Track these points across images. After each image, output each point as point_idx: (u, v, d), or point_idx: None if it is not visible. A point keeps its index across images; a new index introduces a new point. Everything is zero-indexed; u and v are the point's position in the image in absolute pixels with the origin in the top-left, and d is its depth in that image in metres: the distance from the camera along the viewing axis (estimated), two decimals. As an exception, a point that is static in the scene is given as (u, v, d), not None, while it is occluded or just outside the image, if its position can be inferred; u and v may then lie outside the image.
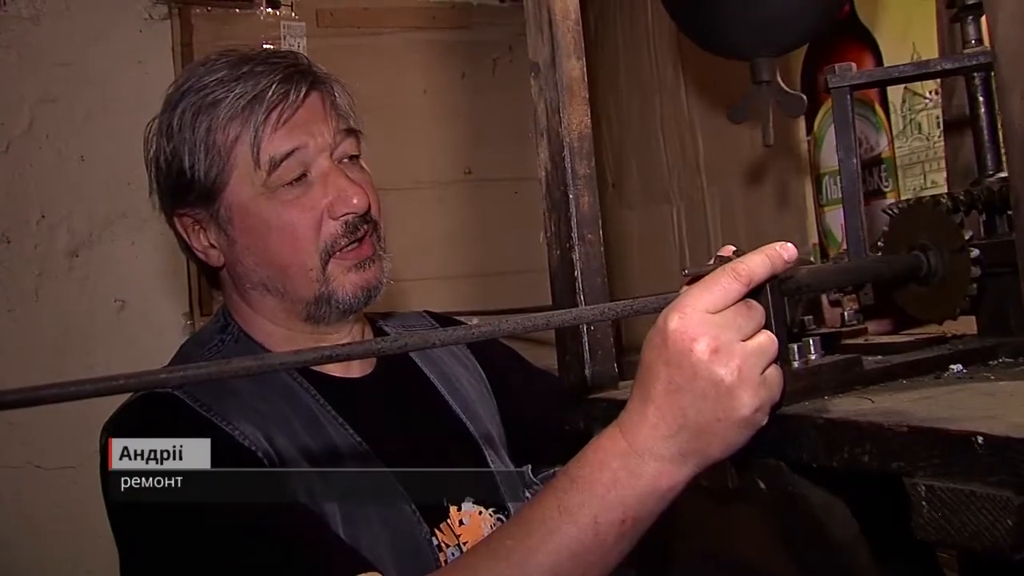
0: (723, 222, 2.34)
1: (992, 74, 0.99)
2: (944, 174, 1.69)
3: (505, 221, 2.92)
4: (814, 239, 2.02)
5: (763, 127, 1.28)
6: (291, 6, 2.60)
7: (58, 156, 2.41)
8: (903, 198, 1.79)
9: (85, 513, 2.37)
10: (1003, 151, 1.00)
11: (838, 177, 1.95)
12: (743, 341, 0.79)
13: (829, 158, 1.98)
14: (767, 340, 0.80)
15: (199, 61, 1.23)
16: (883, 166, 1.78)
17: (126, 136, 2.45)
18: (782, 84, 1.28)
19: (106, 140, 2.43)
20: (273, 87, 1.16)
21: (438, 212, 2.79)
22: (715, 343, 0.77)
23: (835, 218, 1.98)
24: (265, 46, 2.56)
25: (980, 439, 0.62)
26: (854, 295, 1.08)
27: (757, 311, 0.80)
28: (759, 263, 0.80)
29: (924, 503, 0.66)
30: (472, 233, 2.87)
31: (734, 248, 1.02)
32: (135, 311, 2.47)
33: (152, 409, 1.10)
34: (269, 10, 2.56)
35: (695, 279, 0.83)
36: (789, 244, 0.82)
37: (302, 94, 1.18)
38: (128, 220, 2.46)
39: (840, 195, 1.96)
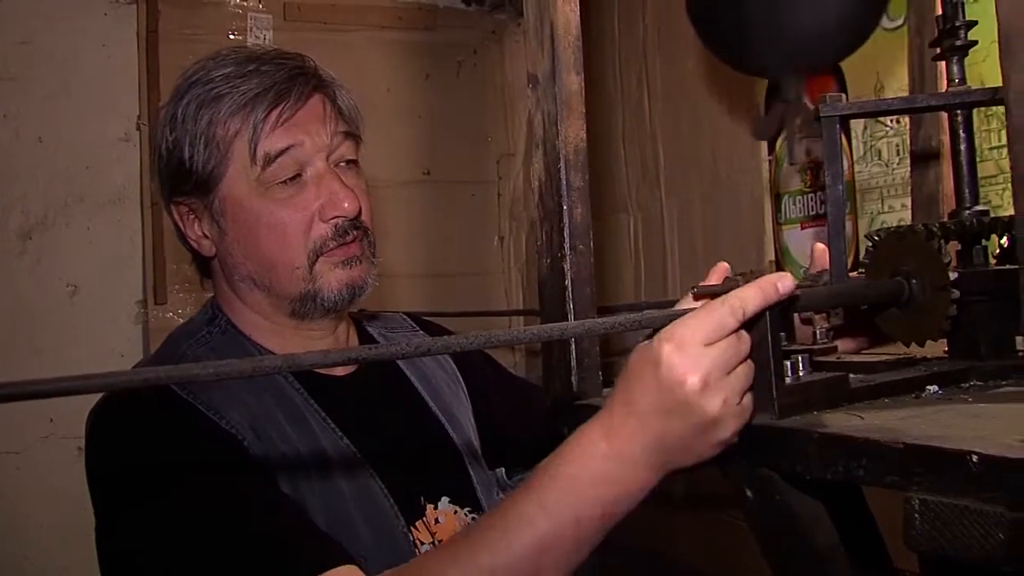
0: (680, 235, 2.39)
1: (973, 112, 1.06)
2: (900, 200, 1.77)
3: (461, 223, 2.95)
4: (771, 256, 2.08)
5: (789, 146, 1.31)
6: (259, -2, 2.60)
7: (15, 136, 2.38)
8: (860, 222, 1.86)
9: (28, 499, 2.35)
10: (980, 185, 1.06)
11: (797, 197, 2.03)
12: (728, 374, 0.84)
13: (788, 179, 2.05)
14: (747, 371, 0.86)
15: (209, 55, 1.24)
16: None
17: (87, 119, 2.45)
18: (809, 103, 1.31)
19: (66, 122, 2.41)
20: (276, 86, 1.19)
21: (395, 211, 2.81)
22: (706, 378, 0.83)
23: (792, 236, 2.05)
24: (231, 37, 2.56)
25: (975, 457, 0.66)
26: (825, 314, 1.13)
27: (745, 343, 0.86)
28: (754, 297, 0.85)
29: (917, 515, 0.70)
30: (427, 234, 2.89)
31: (728, 267, 1.06)
32: (88, 297, 2.45)
33: (140, 396, 1.11)
34: (237, 0, 2.56)
35: (701, 298, 0.87)
36: (788, 276, 0.87)
37: (304, 95, 1.21)
38: (84, 204, 2.44)
39: (798, 215, 2.04)
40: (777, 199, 2.07)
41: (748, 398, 0.86)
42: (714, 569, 2.20)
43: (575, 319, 1.02)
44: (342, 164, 1.25)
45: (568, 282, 1.05)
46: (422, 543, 1.21)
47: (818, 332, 1.10)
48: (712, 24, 1.36)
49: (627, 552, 2.03)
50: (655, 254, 2.48)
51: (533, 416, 1.31)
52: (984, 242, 1.03)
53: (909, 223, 1.29)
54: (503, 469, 1.38)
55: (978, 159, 1.08)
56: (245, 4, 2.58)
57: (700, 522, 2.19)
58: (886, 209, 1.80)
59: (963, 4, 1.03)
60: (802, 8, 1.22)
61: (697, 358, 0.83)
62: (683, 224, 2.38)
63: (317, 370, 1.25)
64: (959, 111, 1.03)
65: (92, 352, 2.38)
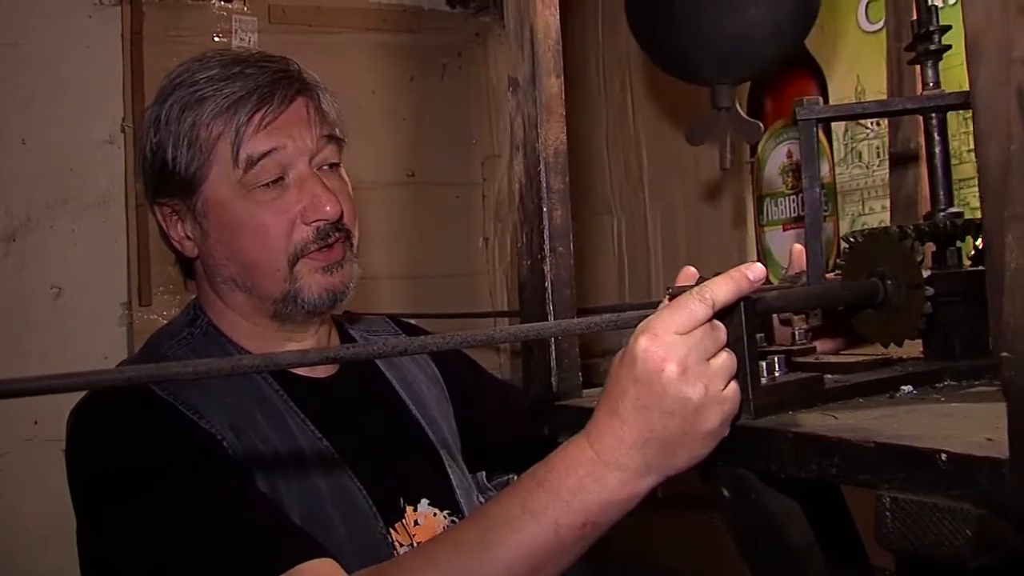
0: (664, 237, 2.40)
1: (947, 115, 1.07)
2: (881, 202, 1.78)
3: (445, 225, 2.94)
4: (753, 258, 2.09)
5: (720, 151, 1.34)
6: (244, 1, 2.59)
7: (-3, 138, 2.37)
8: (841, 223, 1.88)
9: (12, 502, 2.34)
10: (954, 188, 1.07)
11: (779, 199, 2.04)
12: (707, 360, 0.84)
13: (771, 181, 2.06)
14: (728, 359, 0.85)
15: (194, 57, 1.25)
16: (823, 191, 1.86)
17: (70, 121, 2.44)
18: (740, 110, 1.34)
19: (50, 124, 2.39)
20: (260, 89, 1.19)
21: (379, 213, 2.80)
22: (683, 365, 0.82)
23: (774, 238, 2.06)
24: (216, 39, 2.55)
25: (943, 456, 0.68)
26: (803, 315, 1.14)
27: (720, 331, 0.86)
28: (724, 286, 0.85)
29: (888, 513, 0.71)
30: (412, 235, 2.88)
31: (695, 271, 1.07)
32: (72, 299, 2.43)
33: (121, 395, 1.12)
34: (222, 3, 2.55)
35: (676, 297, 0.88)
36: (757, 265, 0.87)
37: (288, 98, 1.21)
38: (69, 206, 2.42)
39: (780, 217, 2.05)
40: (759, 201, 2.08)
41: (734, 386, 0.85)
42: (690, 568, 2.21)
43: (555, 320, 1.03)
44: (325, 167, 1.26)
45: (548, 283, 1.06)
46: (401, 544, 1.22)
47: (797, 333, 1.11)
48: (649, 30, 1.38)
49: (606, 554, 2.03)
50: (638, 256, 2.49)
51: (514, 417, 1.31)
52: (959, 243, 1.04)
53: (887, 225, 1.30)
54: (483, 473, 1.38)
55: (956, 161, 1.09)
56: (230, 6, 2.57)
57: (676, 521, 2.19)
58: (866, 211, 1.82)
59: (937, 8, 1.05)
60: (730, 16, 1.24)
61: (671, 345, 0.82)
62: (666, 226, 2.39)
63: (297, 371, 1.26)
64: (934, 114, 1.04)
65: (76, 354, 2.37)
